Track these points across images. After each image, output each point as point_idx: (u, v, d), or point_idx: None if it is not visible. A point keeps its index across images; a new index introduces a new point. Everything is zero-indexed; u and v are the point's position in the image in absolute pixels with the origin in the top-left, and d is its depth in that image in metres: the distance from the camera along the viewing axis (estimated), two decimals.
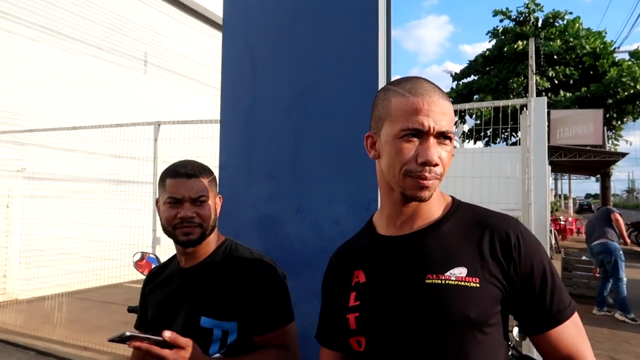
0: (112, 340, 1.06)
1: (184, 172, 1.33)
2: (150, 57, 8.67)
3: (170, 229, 1.33)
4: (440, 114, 0.93)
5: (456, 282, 0.91)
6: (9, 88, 6.47)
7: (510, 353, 1.86)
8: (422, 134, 0.92)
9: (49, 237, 6.01)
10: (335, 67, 2.15)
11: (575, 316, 0.95)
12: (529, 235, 0.97)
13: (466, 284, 0.90)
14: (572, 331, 0.94)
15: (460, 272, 0.91)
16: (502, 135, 18.95)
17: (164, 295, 1.41)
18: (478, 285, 0.90)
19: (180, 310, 1.34)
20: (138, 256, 2.52)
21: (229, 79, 2.47)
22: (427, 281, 0.92)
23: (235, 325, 1.31)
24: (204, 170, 1.38)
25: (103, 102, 7.71)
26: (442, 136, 0.94)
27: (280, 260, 1.88)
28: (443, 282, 0.91)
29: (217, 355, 1.28)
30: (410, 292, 0.93)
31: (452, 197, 1.08)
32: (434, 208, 1.02)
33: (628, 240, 6.72)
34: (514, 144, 16.94)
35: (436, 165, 0.92)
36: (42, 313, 5.61)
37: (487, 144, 19.55)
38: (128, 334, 1.05)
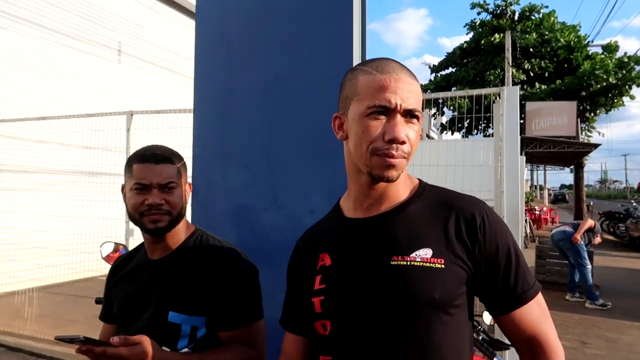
0: (60, 339, 1.02)
1: (152, 156, 1.27)
2: (124, 46, 8.50)
3: (137, 216, 1.27)
4: (407, 91, 0.92)
5: (421, 264, 0.90)
6: None
7: (480, 337, 1.89)
8: (389, 112, 0.91)
9: (20, 231, 5.87)
10: (310, 56, 2.13)
11: (539, 297, 0.96)
12: (494, 217, 0.97)
13: (431, 265, 0.90)
14: (536, 311, 0.95)
15: (425, 253, 0.91)
16: (480, 127, 19.19)
17: (130, 289, 1.35)
18: (443, 266, 0.90)
19: (148, 305, 1.29)
20: (110, 247, 2.46)
21: (202, 67, 2.43)
22: (392, 263, 0.92)
23: (204, 320, 1.27)
24: (174, 156, 1.33)
25: (76, 93, 7.53)
26: (410, 114, 0.93)
27: (256, 250, 1.87)
28: (408, 263, 0.91)
29: (185, 350, 1.25)
30: (376, 274, 0.93)
31: (419, 179, 1.07)
32: (400, 190, 1.01)
33: (578, 237, 6.75)
34: (491, 135, 17.14)
35: (403, 143, 0.91)
36: (12, 308, 5.49)
37: (464, 136, 19.79)
38: (82, 337, 1.01)
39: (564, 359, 0.94)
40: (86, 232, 4.67)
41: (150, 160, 1.27)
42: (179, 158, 1.35)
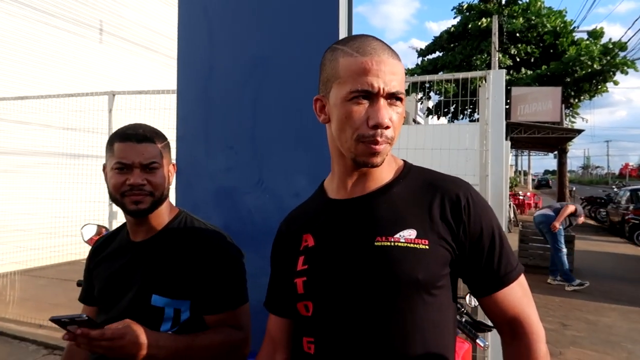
0: (56, 321, 0.99)
1: (134, 135, 1.23)
2: (106, 25, 8.30)
3: (118, 196, 1.24)
4: (390, 73, 0.90)
5: (405, 244, 0.90)
6: None
7: (463, 319, 1.91)
8: (371, 96, 0.89)
9: (1, 213, 5.76)
10: (295, 35, 2.09)
11: (522, 278, 0.97)
12: (479, 198, 0.97)
13: (415, 245, 0.90)
14: (519, 292, 0.95)
15: (409, 234, 0.91)
16: (466, 112, 19.26)
17: (111, 270, 1.32)
18: (427, 247, 0.90)
19: (130, 287, 1.27)
20: (93, 230, 2.42)
21: (184, 46, 2.38)
22: (376, 243, 0.91)
23: (188, 303, 1.25)
24: (157, 135, 1.29)
25: (55, 72, 7.36)
26: (393, 97, 0.91)
27: (240, 233, 1.86)
28: (392, 244, 0.90)
29: (169, 332, 1.23)
30: (359, 255, 0.92)
31: (404, 160, 1.06)
32: (385, 171, 1.00)
33: (557, 225, 6.85)
34: (477, 120, 17.24)
35: (387, 127, 0.90)
36: None
37: (450, 120, 19.86)
38: (86, 317, 1.00)
39: (544, 340, 0.95)
40: (69, 215, 4.60)
41: (132, 139, 1.23)
42: (163, 138, 1.31)
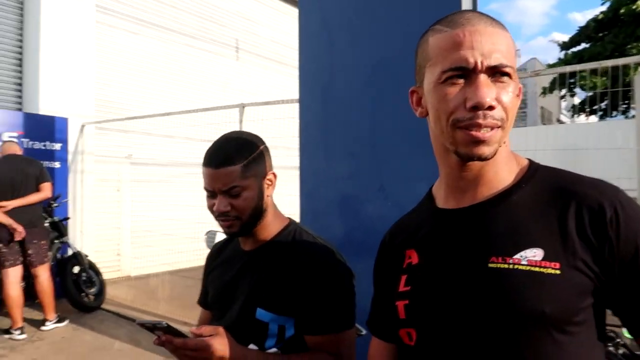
0: (142, 325, 1.01)
1: (212, 160, 1.18)
2: (241, 43, 8.92)
3: (214, 217, 1.23)
4: (489, 44, 0.72)
5: (528, 268, 0.70)
6: (114, 80, 6.93)
7: (620, 353, 1.60)
8: (468, 73, 0.72)
9: (154, 219, 6.45)
10: (416, 36, 1.99)
11: None
12: (631, 207, 0.72)
13: (542, 269, 0.70)
14: None
15: (534, 254, 0.71)
16: (619, 109, 17.11)
17: (224, 278, 1.32)
18: (558, 271, 0.69)
19: (237, 298, 1.25)
20: (220, 237, 2.52)
21: (306, 56, 2.42)
22: (490, 265, 0.73)
23: (292, 321, 1.19)
24: (238, 154, 1.18)
25: (197, 89, 8.06)
26: (497, 73, 0.73)
27: (362, 242, 1.79)
28: (511, 266, 0.72)
29: (274, 349, 1.19)
30: (469, 278, 0.75)
31: (529, 159, 0.85)
32: (502, 172, 0.80)
33: None
34: (633, 117, 15.22)
35: (492, 108, 0.71)
36: (149, 289, 6.06)
37: (601, 118, 17.81)
38: (166, 324, 0.99)
39: None
40: (209, 222, 4.93)
41: (211, 164, 1.18)
42: (245, 153, 1.20)
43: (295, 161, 2.50)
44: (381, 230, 2.43)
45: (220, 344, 1.04)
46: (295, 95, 2.57)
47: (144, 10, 7.36)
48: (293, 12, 9.82)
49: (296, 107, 2.55)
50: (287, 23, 9.60)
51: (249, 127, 4.26)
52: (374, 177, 2.15)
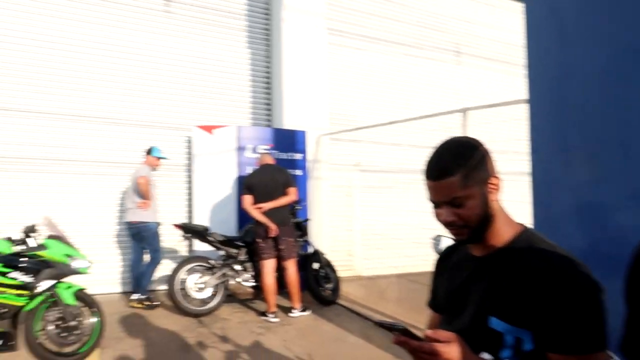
0: (380, 324, 1.06)
1: (430, 172, 1.18)
2: (461, 46, 8.71)
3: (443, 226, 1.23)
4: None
5: None
6: (343, 94, 7.57)
7: None
8: None
9: (382, 223, 6.77)
10: None
11: None
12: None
13: None
14: None
15: None
16: None
17: (453, 283, 1.31)
18: None
19: (468, 304, 1.23)
20: (449, 243, 2.51)
21: (534, 50, 2.26)
22: None
23: (529, 334, 1.11)
24: (455, 164, 1.15)
25: (420, 97, 8.17)
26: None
27: (610, 256, 1.59)
28: None
29: None
30: None
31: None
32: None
33: None
34: None
35: None
36: (378, 289, 6.39)
37: None
38: (402, 327, 1.03)
39: None
40: (436, 227, 4.95)
41: (430, 176, 1.18)
42: (462, 162, 1.16)
43: (522, 166, 2.35)
44: (634, 242, 2.11)
45: (455, 351, 1.04)
46: (522, 95, 2.41)
47: (369, 27, 7.85)
48: (515, 7, 9.17)
49: (524, 108, 2.39)
50: (509, 19, 9.02)
51: (473, 132, 4.13)
52: (625, 182, 1.89)
